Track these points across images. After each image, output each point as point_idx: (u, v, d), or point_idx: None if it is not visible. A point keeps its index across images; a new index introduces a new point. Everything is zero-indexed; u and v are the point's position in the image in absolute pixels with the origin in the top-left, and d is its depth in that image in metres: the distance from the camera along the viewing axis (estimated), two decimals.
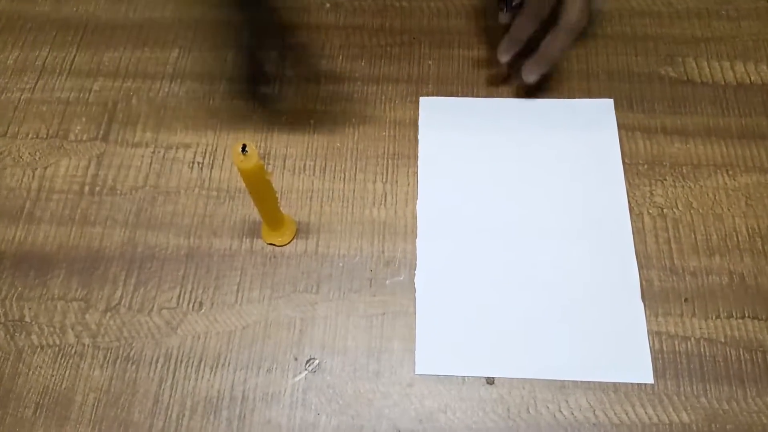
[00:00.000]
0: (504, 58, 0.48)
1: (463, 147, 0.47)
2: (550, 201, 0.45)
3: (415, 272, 0.42)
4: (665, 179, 0.46)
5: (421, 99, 0.49)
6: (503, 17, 0.48)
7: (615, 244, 0.43)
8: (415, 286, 0.42)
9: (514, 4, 0.46)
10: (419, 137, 0.48)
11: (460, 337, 0.40)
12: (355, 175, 0.46)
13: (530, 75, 0.47)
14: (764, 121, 0.48)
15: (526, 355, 0.40)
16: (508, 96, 0.49)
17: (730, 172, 0.46)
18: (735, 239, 0.43)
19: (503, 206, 0.45)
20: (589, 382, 0.39)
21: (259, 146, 0.48)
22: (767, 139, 0.47)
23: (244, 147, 0.34)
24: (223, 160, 0.47)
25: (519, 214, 0.44)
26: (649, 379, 0.39)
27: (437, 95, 0.50)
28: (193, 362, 0.40)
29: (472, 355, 0.40)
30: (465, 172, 0.46)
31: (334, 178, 0.46)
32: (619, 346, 0.40)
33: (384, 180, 0.46)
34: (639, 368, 0.39)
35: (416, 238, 0.44)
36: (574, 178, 0.46)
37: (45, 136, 0.49)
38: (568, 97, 0.49)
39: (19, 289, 0.43)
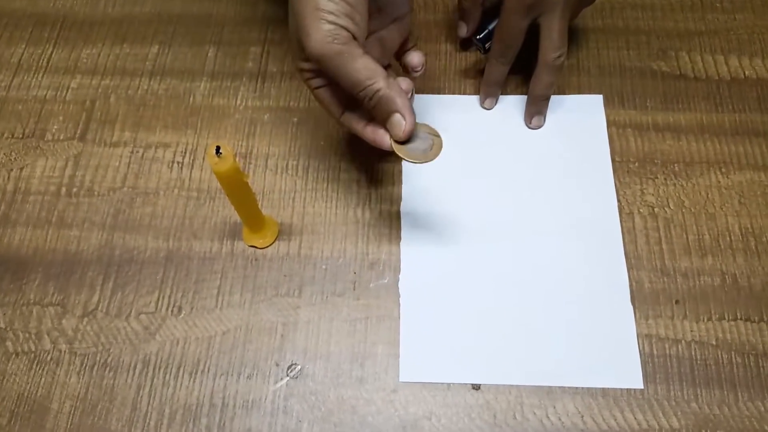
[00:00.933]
0: (489, 106, 0.47)
1: (449, 146, 0.46)
2: (537, 201, 0.44)
3: (399, 276, 0.41)
4: (656, 177, 0.44)
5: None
6: (462, 31, 0.48)
7: (604, 246, 0.42)
8: (399, 290, 0.41)
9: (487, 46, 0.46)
10: None
11: (445, 343, 0.39)
12: (339, 175, 0.45)
13: (535, 121, 0.46)
14: (759, 117, 0.47)
15: (514, 361, 0.39)
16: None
17: (724, 170, 0.45)
18: (728, 239, 0.42)
19: (489, 207, 0.44)
20: (577, 387, 0.38)
21: (241, 145, 0.46)
22: (762, 135, 0.46)
23: (218, 149, 0.33)
24: (203, 159, 0.46)
25: (506, 214, 0.43)
26: (639, 384, 0.38)
27: (424, 91, 0.48)
28: (171, 369, 0.39)
29: (457, 362, 0.39)
30: (450, 171, 0.45)
31: (317, 177, 0.45)
32: (608, 351, 0.39)
33: (368, 180, 0.45)
34: (628, 373, 0.38)
35: (400, 240, 0.43)
36: (562, 177, 0.44)
37: (21, 136, 0.48)
38: (558, 93, 0.48)
39: None
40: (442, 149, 0.36)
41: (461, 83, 0.49)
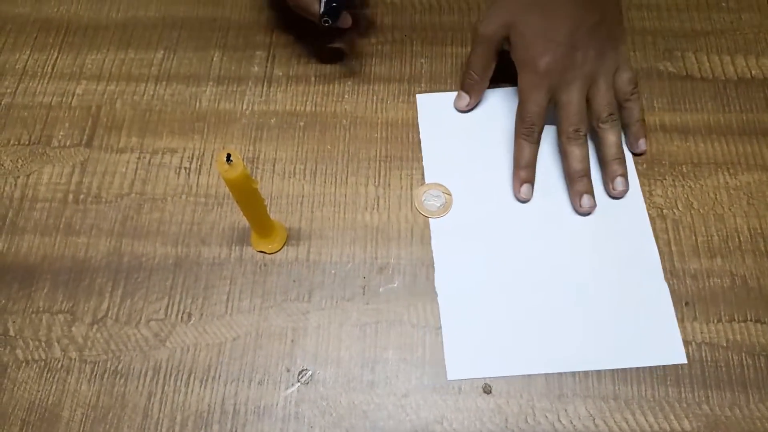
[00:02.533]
0: (522, 194, 0.44)
1: (467, 142, 0.46)
2: (560, 191, 0.44)
3: (435, 278, 0.41)
4: (665, 178, 0.44)
5: (418, 96, 0.48)
6: (462, 103, 0.47)
7: (633, 233, 0.42)
8: (437, 291, 0.41)
9: None
10: (421, 136, 0.46)
11: (487, 339, 0.40)
12: (346, 179, 0.45)
13: (585, 202, 0.43)
14: (766, 117, 0.47)
15: (557, 349, 0.39)
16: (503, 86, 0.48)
17: (732, 171, 0.45)
18: (737, 240, 0.42)
19: (515, 203, 0.44)
20: (588, 389, 0.38)
21: (248, 150, 0.46)
22: None
23: (228, 156, 0.33)
24: (210, 165, 0.46)
25: (531, 208, 0.44)
26: (683, 359, 0.38)
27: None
28: (182, 375, 0.39)
29: (500, 355, 0.39)
30: (470, 168, 0.45)
31: (325, 182, 0.45)
32: (650, 331, 0.39)
33: (377, 183, 0.45)
34: (671, 350, 0.39)
35: (431, 242, 0.43)
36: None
37: (27, 143, 0.47)
38: None
39: (2, 302, 0.42)
40: (453, 205, 0.43)
41: None
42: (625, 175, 0.43)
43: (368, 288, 0.42)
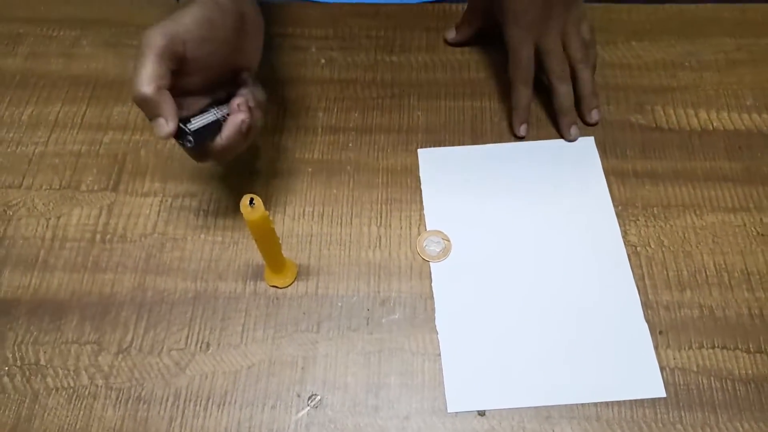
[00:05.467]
0: (522, 132, 0.53)
1: (465, 193, 0.51)
2: (549, 236, 0.48)
3: (435, 315, 0.45)
4: (638, 219, 0.49)
5: (419, 151, 0.53)
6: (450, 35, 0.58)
7: (614, 271, 0.47)
8: (437, 327, 0.45)
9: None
10: (422, 186, 0.51)
11: (483, 372, 0.43)
12: (351, 220, 0.50)
13: (573, 131, 0.53)
14: (727, 164, 0.52)
15: (546, 382, 0.43)
16: (493, 141, 0.53)
17: (698, 212, 0.50)
18: (704, 274, 0.47)
19: (509, 245, 0.48)
20: (573, 411, 0.42)
21: (261, 193, 0.51)
22: (730, 180, 0.51)
23: (252, 200, 0.38)
24: (227, 207, 0.51)
25: (525, 252, 0.48)
26: (661, 393, 0.42)
27: (426, 144, 0.53)
28: (201, 401, 0.43)
29: (496, 388, 0.43)
30: (468, 216, 0.50)
31: (331, 222, 0.50)
32: (630, 366, 0.43)
33: (378, 224, 0.50)
34: (650, 384, 0.42)
35: (430, 280, 0.47)
36: (569, 213, 0.49)
37: (58, 187, 0.52)
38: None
39: (35, 333, 0.45)
40: (452, 250, 0.47)
41: (461, 135, 0.54)
42: (599, 107, 0.53)
43: (372, 319, 0.46)
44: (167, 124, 0.39)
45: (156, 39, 0.38)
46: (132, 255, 0.48)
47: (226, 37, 0.42)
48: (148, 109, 0.39)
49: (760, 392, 0.42)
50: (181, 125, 0.40)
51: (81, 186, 0.52)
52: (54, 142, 0.54)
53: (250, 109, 0.43)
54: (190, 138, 0.41)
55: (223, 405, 0.43)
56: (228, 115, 0.43)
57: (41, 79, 0.58)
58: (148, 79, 0.38)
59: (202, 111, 0.42)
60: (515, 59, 0.52)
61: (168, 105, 0.39)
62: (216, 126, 0.42)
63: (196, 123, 0.41)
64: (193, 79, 0.41)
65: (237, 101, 0.43)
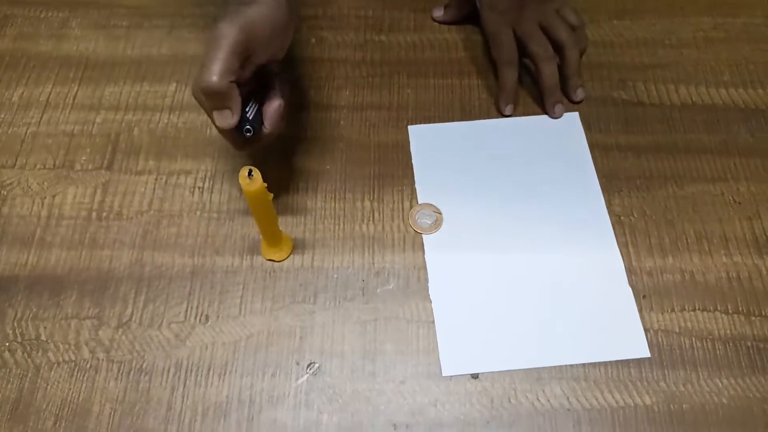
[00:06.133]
0: (508, 111, 0.55)
1: (454, 167, 0.52)
2: (536, 207, 0.50)
3: (428, 284, 0.47)
4: (621, 190, 0.51)
5: (410, 127, 0.54)
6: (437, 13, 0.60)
7: (599, 239, 0.49)
8: (430, 296, 0.46)
9: None
10: (413, 161, 0.52)
11: (476, 337, 0.45)
12: (344, 195, 0.51)
13: (558, 110, 0.54)
14: (706, 137, 0.54)
15: (536, 346, 0.44)
16: (480, 117, 0.55)
17: (678, 183, 0.52)
18: (684, 241, 0.49)
19: (498, 217, 0.50)
20: (562, 372, 0.43)
21: None
22: (709, 152, 0.53)
23: (250, 171, 0.39)
24: (222, 184, 0.51)
25: (513, 222, 0.49)
26: (645, 353, 0.44)
27: (416, 120, 0.55)
28: (202, 371, 0.44)
29: (488, 352, 0.44)
30: (458, 189, 0.51)
31: (325, 198, 0.51)
32: (616, 329, 0.45)
33: (371, 198, 0.51)
34: (635, 345, 0.44)
35: (422, 251, 0.48)
36: (556, 185, 0.51)
37: (52, 167, 0.52)
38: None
39: (34, 310, 0.46)
40: (443, 223, 0.49)
41: (449, 111, 0.55)
42: (584, 86, 0.55)
43: (367, 289, 0.47)
44: (232, 117, 0.41)
45: (233, 33, 0.39)
46: (129, 231, 0.49)
47: (280, 34, 0.43)
48: (217, 101, 0.40)
49: (738, 350, 0.44)
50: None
51: (75, 165, 0.52)
52: (46, 122, 0.55)
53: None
54: (249, 127, 0.42)
55: (224, 374, 0.44)
56: (261, 104, 0.44)
57: (31, 60, 0.58)
58: (221, 72, 0.39)
59: (243, 101, 0.43)
60: (496, 43, 0.54)
61: (236, 98, 0.40)
62: (260, 114, 0.44)
63: (250, 112, 0.43)
64: (246, 72, 0.42)
65: (273, 91, 0.44)
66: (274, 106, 0.44)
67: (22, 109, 0.55)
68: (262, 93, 0.44)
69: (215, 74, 0.39)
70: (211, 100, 0.40)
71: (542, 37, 0.54)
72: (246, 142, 0.45)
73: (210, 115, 0.42)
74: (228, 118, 0.41)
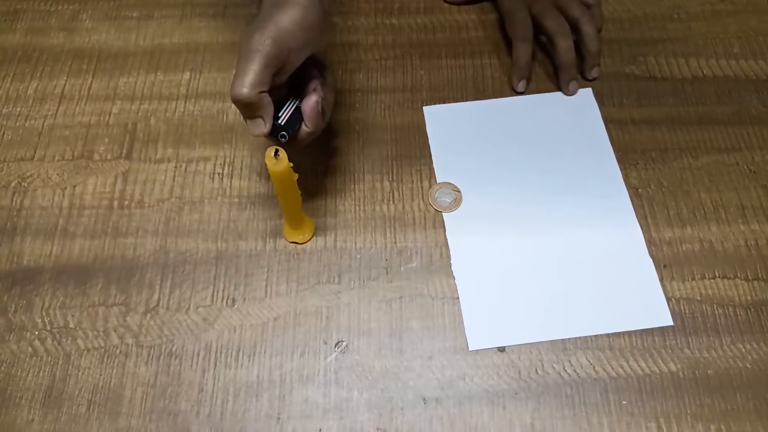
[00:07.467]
0: (521, 88, 0.55)
1: (471, 145, 0.53)
2: (555, 182, 0.50)
3: (451, 261, 0.47)
4: (637, 163, 0.52)
5: (425, 108, 0.54)
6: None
7: (618, 211, 0.49)
8: (453, 272, 0.47)
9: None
10: (430, 141, 0.53)
11: (499, 312, 0.45)
12: (363, 176, 0.51)
13: (572, 87, 0.55)
14: (718, 109, 0.54)
15: (561, 318, 0.45)
16: (494, 96, 0.55)
17: (693, 154, 0.52)
18: (702, 211, 0.49)
19: (517, 193, 0.50)
20: (587, 342, 0.44)
21: None
22: (721, 123, 0.53)
23: (276, 151, 0.39)
24: (241, 169, 0.52)
25: (531, 198, 0.50)
26: (668, 321, 0.44)
27: (431, 101, 0.55)
28: (231, 352, 0.44)
29: (514, 325, 0.45)
30: (475, 167, 0.51)
31: (345, 179, 0.51)
32: (639, 299, 0.45)
33: (390, 179, 0.51)
34: (658, 314, 0.45)
35: (443, 228, 0.49)
36: (573, 160, 0.51)
37: (71, 158, 0.52)
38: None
39: (61, 299, 0.46)
40: (463, 200, 0.49)
41: (463, 91, 0.56)
42: (600, 64, 0.55)
43: (390, 268, 0.47)
44: (264, 125, 0.41)
45: (265, 46, 0.38)
46: (151, 219, 0.49)
47: (316, 38, 0.42)
48: (248, 111, 0.40)
49: (759, 316, 0.45)
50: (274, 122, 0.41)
51: (94, 155, 0.52)
52: (62, 114, 0.55)
53: (323, 90, 0.43)
54: (284, 133, 0.42)
55: (254, 355, 0.44)
56: (301, 99, 0.43)
57: (43, 53, 0.58)
58: (252, 85, 0.38)
59: (281, 102, 0.42)
60: (511, 20, 0.55)
61: (268, 107, 0.40)
62: (298, 113, 0.43)
63: (283, 116, 0.42)
64: (282, 77, 0.41)
65: (311, 85, 0.43)
66: (311, 103, 0.43)
67: (38, 101, 0.55)
68: (302, 85, 0.44)
69: (245, 86, 0.38)
70: (242, 109, 0.40)
71: (558, 15, 0.54)
72: (287, 143, 0.44)
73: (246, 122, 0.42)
74: (260, 127, 0.41)
